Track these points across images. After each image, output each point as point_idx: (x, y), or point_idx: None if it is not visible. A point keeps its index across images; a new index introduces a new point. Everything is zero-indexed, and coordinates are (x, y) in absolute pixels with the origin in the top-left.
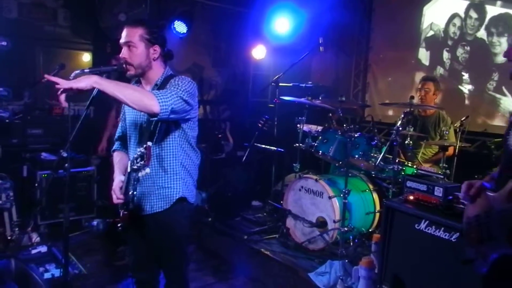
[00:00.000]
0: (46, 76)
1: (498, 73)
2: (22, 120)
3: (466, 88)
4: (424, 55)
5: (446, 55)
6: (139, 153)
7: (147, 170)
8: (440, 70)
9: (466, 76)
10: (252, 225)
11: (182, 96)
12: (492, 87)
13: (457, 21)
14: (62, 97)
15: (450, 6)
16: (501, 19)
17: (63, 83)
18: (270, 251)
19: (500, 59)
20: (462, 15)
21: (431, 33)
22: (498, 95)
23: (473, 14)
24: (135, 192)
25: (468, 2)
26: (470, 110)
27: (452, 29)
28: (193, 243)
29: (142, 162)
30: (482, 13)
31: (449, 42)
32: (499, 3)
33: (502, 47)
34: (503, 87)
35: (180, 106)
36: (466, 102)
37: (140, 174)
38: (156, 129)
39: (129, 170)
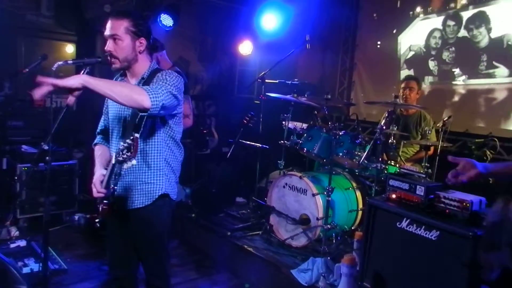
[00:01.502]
0: (40, 78)
1: (485, 54)
2: (3, 112)
3: (459, 80)
4: (407, 74)
5: (432, 63)
6: (125, 145)
7: (133, 161)
8: (429, 79)
9: (457, 70)
10: (235, 221)
11: (172, 91)
12: (483, 67)
13: (436, 34)
14: (40, 93)
15: (425, 26)
16: (475, 17)
17: (51, 82)
18: (253, 248)
19: (484, 43)
20: (440, 27)
21: (411, 53)
22: (491, 70)
23: (451, 23)
24: (116, 187)
25: (443, 17)
26: (453, 110)
27: (433, 41)
28: (176, 239)
29: (128, 154)
30: (458, 19)
31: (433, 52)
32: (470, 7)
33: (483, 35)
34: (493, 62)
35: (170, 102)
36: (450, 101)
37: (125, 166)
38: (141, 123)
39: (113, 162)
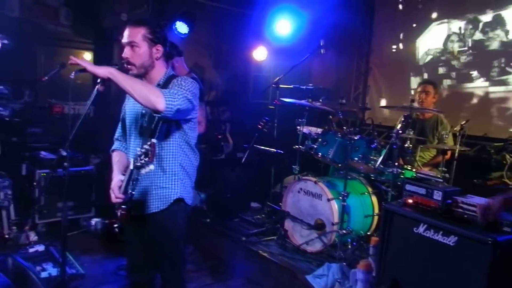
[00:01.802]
0: (73, 59)
1: (503, 58)
2: (22, 119)
3: (477, 83)
4: (424, 78)
5: (449, 67)
6: (143, 150)
7: (151, 166)
8: (447, 83)
9: (475, 73)
10: (250, 226)
11: (187, 96)
12: (495, 73)
13: (454, 37)
14: (76, 61)
15: (443, 30)
16: (493, 21)
17: (83, 64)
18: (268, 253)
19: (501, 47)
20: (457, 31)
21: (428, 57)
22: (504, 77)
23: (468, 26)
24: (133, 192)
25: (460, 20)
26: (471, 113)
27: (450, 45)
28: (191, 244)
29: (146, 159)
30: (476, 22)
31: (450, 56)
32: (488, 10)
33: (500, 37)
34: (507, 68)
35: (185, 106)
36: (468, 105)
37: (143, 171)
38: (156, 128)
39: (131, 167)
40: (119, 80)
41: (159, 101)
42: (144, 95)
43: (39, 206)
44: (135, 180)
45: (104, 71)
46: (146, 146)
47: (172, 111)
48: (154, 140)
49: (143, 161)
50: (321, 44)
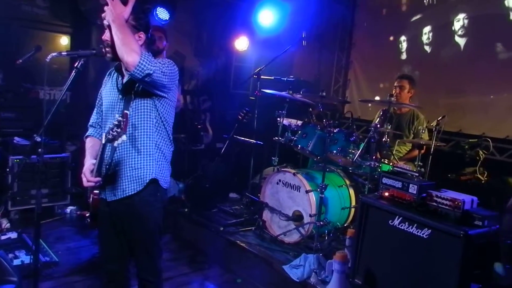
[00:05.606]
0: None
1: None
2: None
3: (452, 81)
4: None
5: (426, 64)
6: (115, 122)
7: (124, 137)
8: (426, 78)
9: (452, 70)
10: (228, 216)
11: (163, 70)
12: None
13: (433, 33)
14: None
15: (422, 25)
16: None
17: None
18: (246, 243)
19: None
20: (437, 27)
21: (408, 52)
22: None
23: (448, 25)
24: (108, 172)
25: (440, 16)
26: (447, 110)
27: (431, 42)
28: (169, 233)
29: (118, 130)
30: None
31: (429, 51)
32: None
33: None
34: None
35: (157, 77)
36: (445, 101)
37: (116, 143)
38: (131, 110)
39: (103, 141)
40: (120, 24)
41: (134, 55)
42: (125, 44)
43: (12, 193)
44: (108, 164)
45: (109, 17)
46: (119, 118)
47: (142, 72)
48: (126, 111)
49: (115, 133)
50: (303, 36)
